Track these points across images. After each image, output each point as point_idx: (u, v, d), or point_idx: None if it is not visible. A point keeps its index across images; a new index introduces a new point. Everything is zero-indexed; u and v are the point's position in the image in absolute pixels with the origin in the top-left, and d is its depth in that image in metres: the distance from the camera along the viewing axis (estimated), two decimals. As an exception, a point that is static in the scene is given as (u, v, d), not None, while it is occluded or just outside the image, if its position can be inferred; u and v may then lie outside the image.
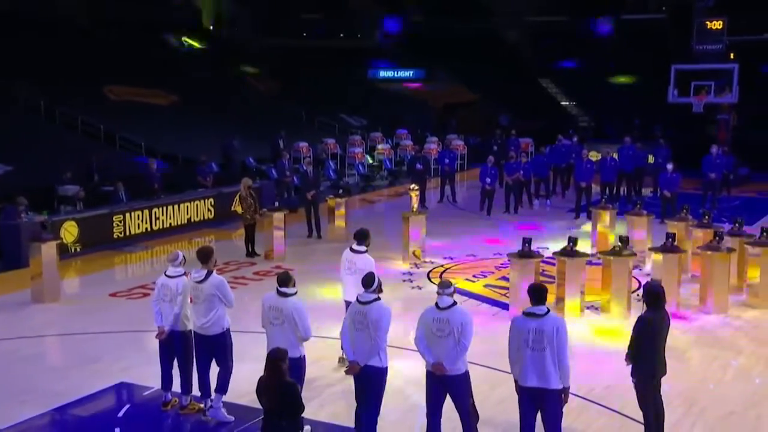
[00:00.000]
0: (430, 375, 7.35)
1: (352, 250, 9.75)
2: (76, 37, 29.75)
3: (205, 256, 8.58)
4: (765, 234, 12.44)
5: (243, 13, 39.09)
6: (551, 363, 6.94)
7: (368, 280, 7.63)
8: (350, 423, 8.06)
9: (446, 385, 7.30)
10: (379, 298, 7.63)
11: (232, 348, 8.55)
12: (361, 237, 9.79)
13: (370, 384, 7.58)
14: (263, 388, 6.40)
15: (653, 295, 7.76)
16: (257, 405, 6.71)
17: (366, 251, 9.66)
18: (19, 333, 11.44)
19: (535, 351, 6.93)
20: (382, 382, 7.62)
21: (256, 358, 7.83)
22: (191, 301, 8.57)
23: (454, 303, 7.31)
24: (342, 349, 9.43)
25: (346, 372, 7.77)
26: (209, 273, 8.44)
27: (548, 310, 7.09)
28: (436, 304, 7.33)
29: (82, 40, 29.70)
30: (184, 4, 38.23)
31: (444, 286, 7.41)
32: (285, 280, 8.01)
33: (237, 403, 8.57)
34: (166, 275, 8.73)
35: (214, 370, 8.53)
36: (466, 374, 7.34)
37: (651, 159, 21.34)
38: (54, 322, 12.01)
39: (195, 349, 8.56)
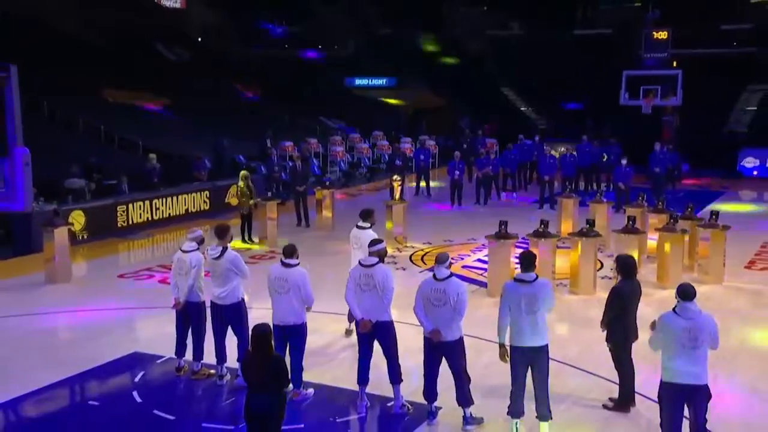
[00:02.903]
0: (427, 341, 7.36)
1: (357, 227, 9.77)
2: (78, 46, 29.30)
3: (221, 232, 8.55)
4: (714, 217, 12.67)
5: (227, 26, 38.81)
6: (542, 324, 7.05)
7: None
8: (352, 386, 8.05)
9: (443, 350, 7.32)
10: (380, 262, 7.67)
11: (248, 318, 8.47)
12: (366, 215, 9.88)
13: (384, 336, 7.64)
14: (250, 362, 6.21)
15: (626, 265, 7.87)
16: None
17: (370, 227, 9.68)
18: (35, 310, 11.28)
19: (529, 314, 6.99)
20: (394, 333, 7.72)
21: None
22: (208, 275, 8.50)
23: (451, 275, 7.34)
24: (348, 319, 9.58)
25: (359, 330, 7.75)
26: (224, 249, 8.39)
27: (537, 276, 7.16)
28: (434, 275, 7.33)
29: (83, 49, 29.26)
30: (175, 17, 37.83)
31: (441, 260, 7.40)
32: (290, 251, 7.99)
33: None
34: (181, 250, 8.66)
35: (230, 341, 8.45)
36: (461, 340, 7.37)
37: (605, 158, 21.60)
38: (67, 300, 11.84)
39: (212, 319, 8.48)
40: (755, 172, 25.89)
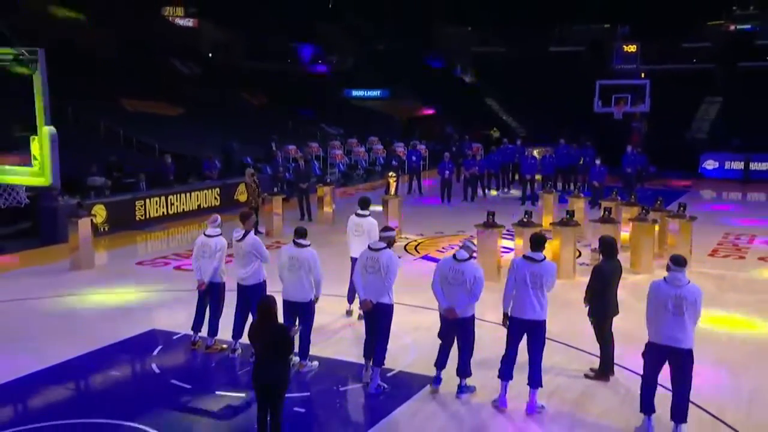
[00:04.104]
0: (443, 318, 7.23)
1: (357, 215, 9.64)
2: (101, 60, 29.08)
3: (244, 217, 8.47)
4: (681, 209, 12.62)
5: (236, 42, 38.67)
6: (544, 300, 6.98)
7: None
8: (353, 359, 7.93)
9: (456, 327, 7.20)
10: (387, 247, 7.56)
11: None
12: (365, 203, 9.78)
13: (381, 318, 7.50)
14: (257, 331, 6.06)
15: (607, 245, 7.80)
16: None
17: (369, 215, 9.57)
18: (61, 292, 11.14)
19: (534, 289, 6.91)
20: (390, 316, 7.58)
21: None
22: (230, 261, 8.38)
23: (469, 258, 7.18)
24: (348, 300, 9.49)
25: (361, 308, 7.66)
26: (247, 233, 8.26)
27: (545, 257, 7.06)
28: (454, 255, 7.21)
29: (105, 63, 29.03)
30: (188, 35, 37.66)
31: (466, 247, 7.25)
32: (302, 233, 7.90)
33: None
34: (205, 235, 8.54)
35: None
36: (473, 317, 7.26)
37: (582, 161, 21.53)
38: (90, 284, 11.69)
39: (237, 298, 8.32)
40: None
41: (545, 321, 7.01)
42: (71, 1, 31.30)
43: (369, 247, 7.62)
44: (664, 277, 6.45)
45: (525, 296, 6.91)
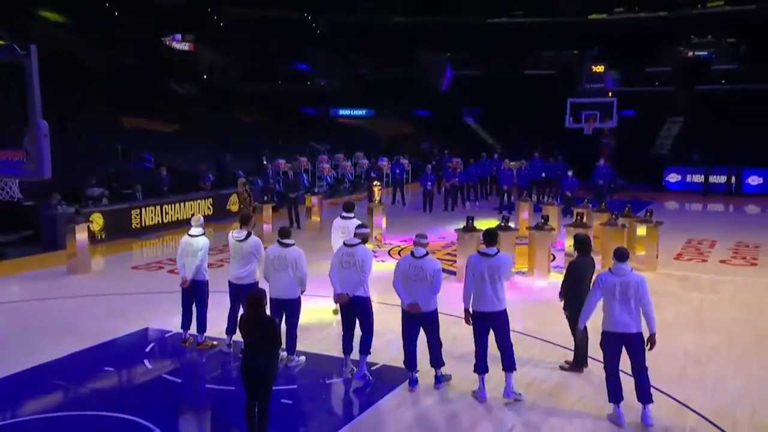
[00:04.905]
0: (405, 313, 7.07)
1: (342, 217, 9.56)
2: (102, 80, 28.80)
3: (245, 219, 8.36)
4: (648, 214, 12.63)
5: (230, 65, 38.57)
6: (502, 291, 6.86)
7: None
8: (336, 354, 7.77)
9: (421, 321, 7.04)
10: (362, 243, 7.44)
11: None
12: (349, 207, 9.73)
13: (360, 310, 7.36)
14: (245, 322, 5.91)
15: (581, 242, 7.72)
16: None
17: (354, 217, 9.46)
18: (59, 294, 10.89)
19: (491, 283, 6.80)
20: (370, 308, 7.42)
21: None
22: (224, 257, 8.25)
23: (427, 253, 7.09)
24: (334, 301, 9.28)
25: (337, 302, 7.51)
26: (249, 234, 8.10)
27: (498, 251, 6.96)
28: (412, 253, 7.08)
29: (106, 83, 28.76)
30: (185, 57, 37.48)
31: (419, 241, 7.15)
32: (286, 233, 7.76)
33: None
34: (189, 235, 8.35)
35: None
36: (437, 311, 7.13)
37: (557, 174, 21.52)
38: (87, 287, 11.44)
39: (230, 297, 8.14)
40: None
41: (506, 310, 6.91)
42: (77, 29, 31.13)
43: (344, 244, 7.51)
44: (610, 268, 6.48)
45: (484, 290, 6.79)
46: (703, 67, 36.24)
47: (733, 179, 25.32)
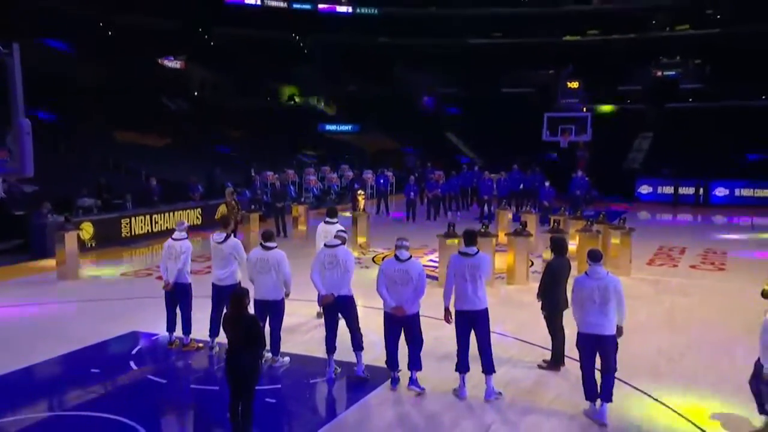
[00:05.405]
0: (389, 316, 6.90)
1: (326, 222, 9.47)
2: (95, 96, 28.52)
3: (225, 221, 8.32)
4: (621, 221, 12.64)
5: (220, 82, 38.43)
6: (482, 290, 6.75)
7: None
8: (320, 355, 7.61)
9: (404, 323, 6.89)
10: (342, 244, 7.33)
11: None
12: (333, 212, 9.66)
13: (346, 309, 7.22)
14: (229, 320, 5.77)
15: (558, 244, 7.68)
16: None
17: (337, 222, 9.36)
18: (49, 299, 10.62)
19: (471, 282, 6.70)
20: (354, 306, 7.28)
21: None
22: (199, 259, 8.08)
23: (410, 256, 6.95)
24: (319, 304, 9.10)
25: (321, 303, 7.37)
26: (227, 236, 7.95)
27: (478, 250, 6.87)
28: (396, 256, 6.93)
29: (99, 98, 28.48)
30: (176, 75, 37.26)
31: (403, 239, 7.04)
32: (269, 236, 7.62)
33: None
34: (172, 239, 8.18)
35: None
36: (418, 313, 6.99)
37: (535, 185, 21.55)
38: (77, 292, 11.20)
39: (213, 299, 7.98)
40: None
41: (487, 309, 6.79)
42: (80, 56, 30.90)
43: (325, 245, 7.38)
44: (586, 272, 6.37)
45: (465, 289, 6.68)
46: (672, 86, 36.86)
47: (701, 191, 25.63)
